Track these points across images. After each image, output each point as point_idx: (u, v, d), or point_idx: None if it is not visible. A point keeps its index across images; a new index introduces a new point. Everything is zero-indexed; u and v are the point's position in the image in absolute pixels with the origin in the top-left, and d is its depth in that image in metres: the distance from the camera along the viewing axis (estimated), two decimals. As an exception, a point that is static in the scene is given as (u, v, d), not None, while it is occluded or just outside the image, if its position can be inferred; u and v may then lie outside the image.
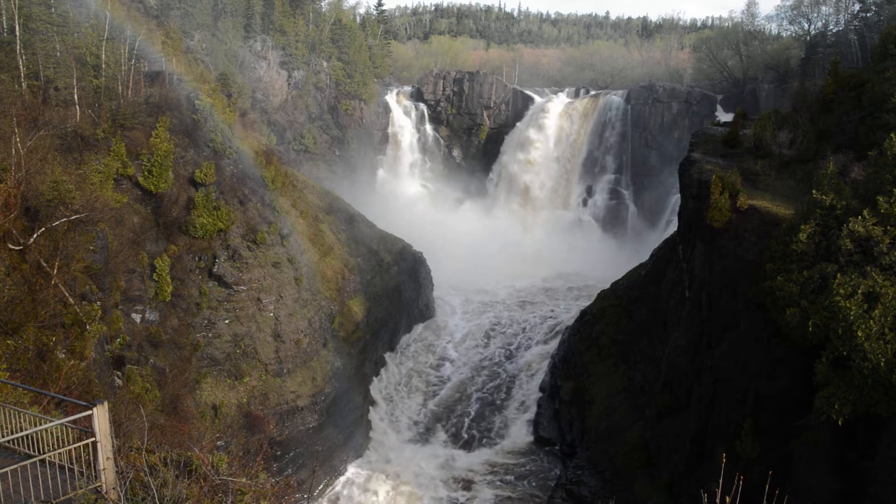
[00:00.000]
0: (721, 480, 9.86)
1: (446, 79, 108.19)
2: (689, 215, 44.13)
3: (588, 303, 63.84)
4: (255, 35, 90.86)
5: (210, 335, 48.84)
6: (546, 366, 61.30)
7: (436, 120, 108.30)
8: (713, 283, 38.76)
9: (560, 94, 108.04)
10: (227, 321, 49.81)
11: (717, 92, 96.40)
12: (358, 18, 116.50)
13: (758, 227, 36.52)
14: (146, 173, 48.47)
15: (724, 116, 73.98)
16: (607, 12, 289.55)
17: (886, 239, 29.16)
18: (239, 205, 54.18)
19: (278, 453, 46.97)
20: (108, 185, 44.97)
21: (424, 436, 54.90)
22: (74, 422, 10.51)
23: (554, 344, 64.30)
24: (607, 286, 60.61)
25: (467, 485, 48.61)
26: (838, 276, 28.88)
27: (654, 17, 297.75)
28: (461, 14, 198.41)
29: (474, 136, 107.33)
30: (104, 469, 10.31)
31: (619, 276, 60.26)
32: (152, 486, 10.05)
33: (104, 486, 10.33)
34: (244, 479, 11.24)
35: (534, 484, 48.57)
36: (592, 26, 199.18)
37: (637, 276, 56.84)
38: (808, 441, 29.77)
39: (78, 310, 33.21)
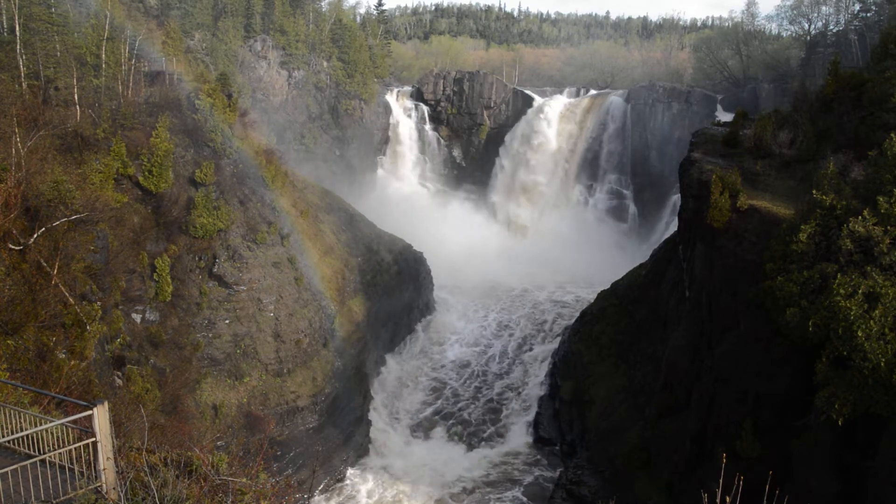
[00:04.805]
0: (721, 480, 9.87)
1: (446, 79, 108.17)
2: (689, 215, 44.10)
3: (588, 303, 63.84)
4: (255, 35, 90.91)
5: (210, 335, 48.85)
6: (546, 366, 61.30)
7: (436, 120, 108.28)
8: (713, 283, 38.75)
9: (560, 94, 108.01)
10: (227, 321, 49.82)
11: (717, 92, 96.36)
12: (358, 18, 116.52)
13: (758, 227, 36.50)
14: (146, 173, 48.47)
15: (724, 116, 73.92)
16: (607, 12, 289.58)
17: (886, 239, 29.16)
18: (239, 205, 54.19)
19: (278, 453, 46.98)
20: (109, 184, 44.95)
21: (424, 435, 54.91)
22: (75, 422, 10.51)
23: (554, 344, 64.30)
24: (607, 286, 60.62)
25: (467, 484, 48.62)
26: (838, 276, 28.88)
27: (654, 16, 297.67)
28: (461, 14, 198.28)
29: (474, 136, 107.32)
30: (104, 469, 10.32)
31: (620, 276, 60.26)
32: (152, 486, 10.05)
33: (104, 486, 10.33)
34: (244, 479, 11.23)
35: (534, 484, 48.57)
36: (592, 26, 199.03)
37: (637, 276, 56.82)
38: (808, 441, 29.77)
39: (78, 310, 33.19)
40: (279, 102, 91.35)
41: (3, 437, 11.18)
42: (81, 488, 10.24)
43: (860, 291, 27.93)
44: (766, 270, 32.94)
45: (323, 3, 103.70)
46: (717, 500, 9.31)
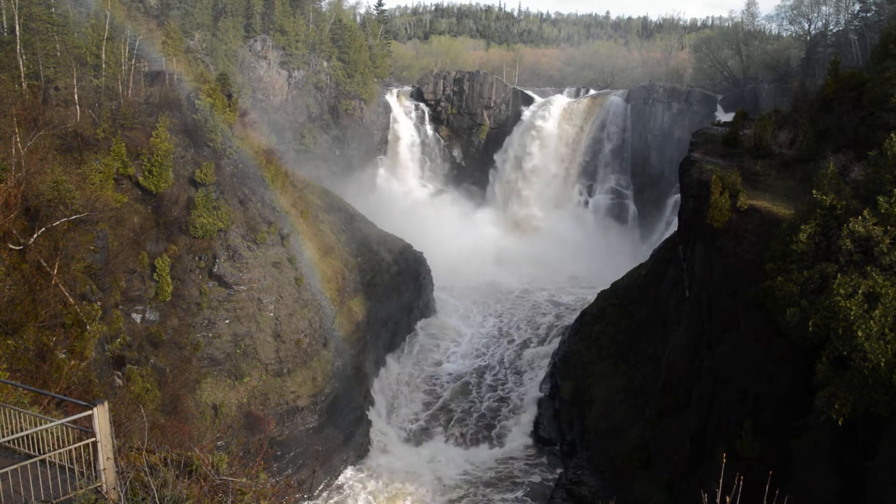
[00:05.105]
0: (721, 480, 9.87)
1: (446, 79, 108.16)
2: (689, 215, 44.11)
3: (588, 303, 63.84)
4: (255, 35, 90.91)
5: (210, 335, 48.85)
6: (546, 366, 61.30)
7: (436, 120, 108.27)
8: (713, 283, 38.75)
9: (560, 94, 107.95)
10: (227, 321, 49.82)
11: (717, 92, 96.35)
12: (358, 18, 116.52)
13: (758, 227, 36.51)
14: (146, 173, 48.48)
15: (724, 116, 73.93)
16: (607, 12, 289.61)
17: (886, 239, 29.16)
18: (239, 205, 54.19)
19: (278, 453, 46.98)
20: (109, 184, 44.95)
21: (424, 436, 54.91)
22: (75, 422, 10.51)
23: (554, 344, 64.29)
24: (607, 286, 60.64)
25: (467, 485, 48.61)
26: (838, 276, 28.88)
27: (654, 16, 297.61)
28: (461, 14, 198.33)
29: (474, 136, 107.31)
30: (104, 469, 10.32)
31: (620, 276, 60.28)
32: (152, 486, 10.05)
33: (104, 486, 10.33)
34: (244, 479, 11.24)
35: (534, 484, 48.58)
36: (592, 26, 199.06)
37: (637, 276, 56.81)
38: (808, 441, 29.78)
39: (78, 310, 33.19)
40: (279, 102, 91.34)
41: (3, 437, 11.18)
42: (81, 488, 10.24)
43: (860, 291, 27.93)
44: (766, 270, 32.93)
45: (323, 3, 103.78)
46: (717, 500, 9.31)
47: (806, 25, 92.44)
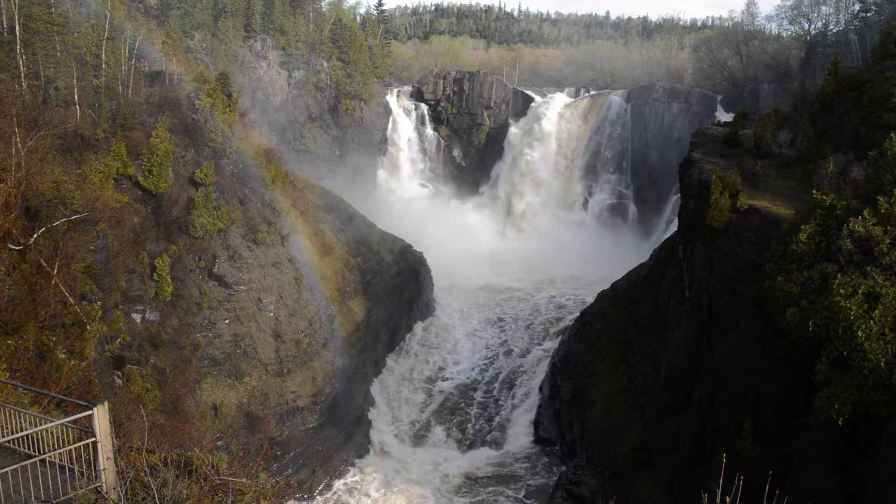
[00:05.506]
0: (721, 480, 9.88)
1: (446, 79, 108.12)
2: (689, 215, 44.11)
3: (588, 303, 63.82)
4: (255, 35, 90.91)
5: (210, 335, 48.85)
6: (546, 366, 61.28)
7: (436, 120, 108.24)
8: (713, 283, 38.74)
9: (560, 94, 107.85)
10: (227, 321, 49.82)
11: (717, 92, 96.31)
12: (358, 18, 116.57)
13: (758, 227, 36.51)
14: (146, 173, 48.49)
15: (724, 116, 73.94)
16: (607, 12, 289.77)
17: (886, 239, 29.15)
18: (239, 205, 54.19)
19: (278, 453, 46.99)
20: (109, 185, 44.96)
21: (424, 436, 54.91)
22: (75, 422, 10.52)
23: (554, 344, 64.28)
24: (607, 286, 60.62)
25: (467, 485, 48.61)
26: (838, 276, 28.87)
27: (654, 17, 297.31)
28: (461, 14, 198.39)
29: (474, 136, 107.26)
30: (104, 469, 10.32)
31: (620, 277, 60.26)
32: (152, 486, 10.06)
33: (104, 486, 10.33)
34: (244, 479, 11.24)
35: (534, 484, 48.57)
36: (592, 26, 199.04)
37: (637, 276, 56.81)
38: (808, 441, 29.77)
39: (78, 310, 33.18)
40: (279, 102, 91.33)
41: (3, 437, 11.18)
42: (81, 488, 10.24)
43: (860, 291, 27.92)
44: (766, 270, 32.92)
45: (323, 3, 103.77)
46: (717, 500, 9.32)
47: (806, 25, 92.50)
